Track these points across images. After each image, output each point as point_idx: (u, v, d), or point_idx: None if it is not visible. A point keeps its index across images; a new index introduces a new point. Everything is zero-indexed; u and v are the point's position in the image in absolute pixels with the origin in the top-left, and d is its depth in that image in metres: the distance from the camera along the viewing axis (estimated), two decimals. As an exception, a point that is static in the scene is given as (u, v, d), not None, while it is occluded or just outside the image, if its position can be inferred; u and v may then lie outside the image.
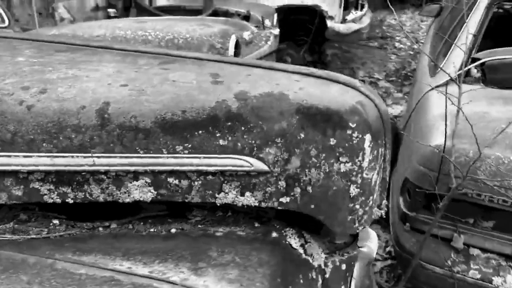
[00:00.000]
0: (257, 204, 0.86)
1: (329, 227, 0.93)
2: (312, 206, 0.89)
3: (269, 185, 0.85)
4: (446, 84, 2.31)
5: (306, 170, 0.87)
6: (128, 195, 0.80)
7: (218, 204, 0.84)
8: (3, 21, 2.08)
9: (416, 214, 1.87)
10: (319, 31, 4.88)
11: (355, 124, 0.88)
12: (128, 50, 1.13)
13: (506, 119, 1.83)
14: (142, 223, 0.87)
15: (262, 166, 0.83)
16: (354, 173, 0.90)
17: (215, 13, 3.67)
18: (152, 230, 0.85)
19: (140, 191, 0.80)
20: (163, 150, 0.80)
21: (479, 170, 1.66)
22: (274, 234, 0.91)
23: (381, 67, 6.56)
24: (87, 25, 2.85)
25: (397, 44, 8.08)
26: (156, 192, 0.81)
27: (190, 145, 0.80)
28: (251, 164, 0.82)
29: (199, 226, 0.88)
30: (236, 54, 2.74)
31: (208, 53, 2.46)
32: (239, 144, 0.82)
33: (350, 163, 0.89)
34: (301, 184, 0.87)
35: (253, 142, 0.83)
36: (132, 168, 0.78)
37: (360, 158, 0.90)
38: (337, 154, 0.88)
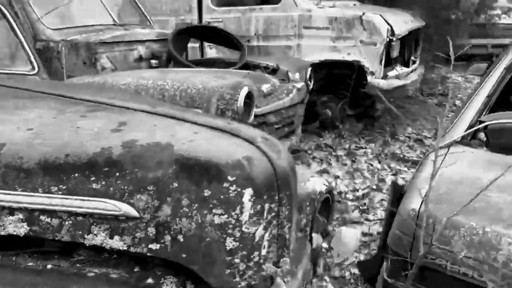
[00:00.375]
0: (126, 248, 0.89)
1: (204, 278, 0.93)
2: (184, 255, 0.90)
3: (139, 230, 0.89)
4: (449, 145, 2.22)
5: (177, 218, 0.89)
6: (3, 229, 0.88)
7: (87, 245, 0.89)
8: (34, 68, 2.37)
9: (395, 281, 1.75)
10: (360, 86, 4.87)
11: (234, 178, 0.90)
12: (76, 98, 1.26)
13: (495, 187, 1.70)
14: (27, 256, 0.94)
15: (131, 212, 0.88)
16: (231, 226, 0.91)
17: (246, 66, 3.85)
18: (30, 264, 0.92)
19: (14, 226, 0.88)
20: (39, 189, 0.88)
21: (453, 240, 1.54)
22: (150, 280, 0.93)
23: (434, 125, 6.29)
24: (119, 74, 3.14)
25: (457, 102, 7.74)
26: (29, 228, 0.88)
27: (65, 187, 0.88)
28: (119, 208, 0.87)
29: (77, 265, 0.93)
30: (249, 104, 2.84)
31: (216, 106, 2.58)
32: (111, 189, 0.88)
33: (225, 216, 0.90)
34: (172, 232, 0.89)
35: (126, 188, 0.88)
36: (8, 204, 0.87)
37: (237, 211, 0.91)
38: (211, 205, 0.90)
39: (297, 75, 3.83)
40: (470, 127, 2.17)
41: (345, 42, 4.79)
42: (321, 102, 5.27)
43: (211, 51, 5.45)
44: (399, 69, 5.04)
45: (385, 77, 4.75)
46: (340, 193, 3.76)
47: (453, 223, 1.54)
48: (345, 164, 4.39)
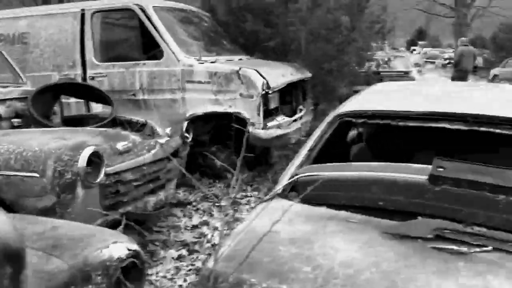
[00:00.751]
0: None
1: None
2: None
3: None
4: (270, 198, 2.32)
5: None
6: None
7: None
8: None
9: None
10: (242, 136, 5.02)
11: None
12: None
13: (288, 240, 1.79)
14: None
15: None
16: None
17: (114, 122, 3.82)
18: None
19: None
20: None
21: (236, 298, 1.56)
22: None
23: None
24: (-44, 137, 2.96)
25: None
26: None
27: None
28: None
29: None
30: (98, 164, 2.78)
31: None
32: None
33: None
34: None
35: None
36: None
37: None
38: None
39: (168, 130, 3.86)
40: (291, 178, 2.29)
41: (226, 95, 4.97)
42: (210, 153, 5.34)
43: (97, 106, 5.36)
44: (280, 119, 5.29)
45: (265, 127, 4.95)
46: (214, 245, 3.75)
47: (240, 280, 1.57)
48: (227, 214, 4.41)
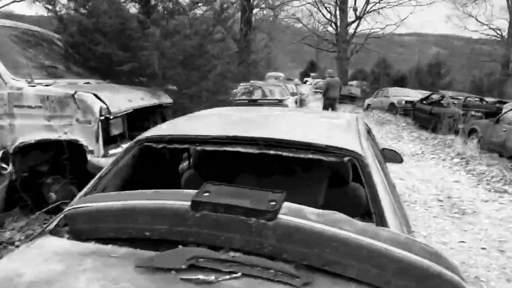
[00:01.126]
0: None
1: None
2: None
3: None
4: (36, 236, 2.05)
5: None
6: None
7: None
8: None
9: None
10: (81, 165, 4.62)
11: None
12: None
13: (27, 283, 1.53)
14: None
15: None
16: None
17: None
18: None
19: None
20: None
21: None
22: None
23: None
24: None
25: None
26: None
27: None
28: None
29: None
30: None
31: None
32: None
33: None
34: None
35: None
36: None
37: None
38: None
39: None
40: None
41: (61, 121, 4.55)
42: (45, 184, 4.82)
43: None
44: (124, 146, 4.99)
45: (106, 155, 4.62)
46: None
47: None
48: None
